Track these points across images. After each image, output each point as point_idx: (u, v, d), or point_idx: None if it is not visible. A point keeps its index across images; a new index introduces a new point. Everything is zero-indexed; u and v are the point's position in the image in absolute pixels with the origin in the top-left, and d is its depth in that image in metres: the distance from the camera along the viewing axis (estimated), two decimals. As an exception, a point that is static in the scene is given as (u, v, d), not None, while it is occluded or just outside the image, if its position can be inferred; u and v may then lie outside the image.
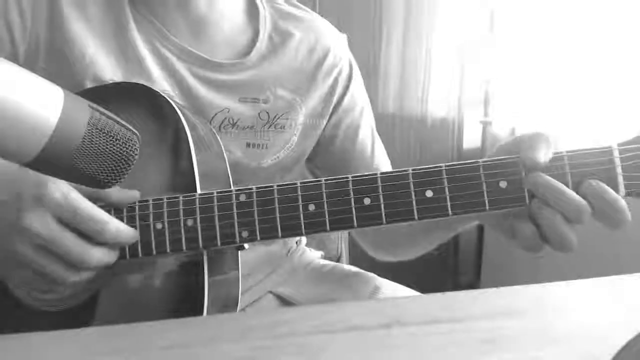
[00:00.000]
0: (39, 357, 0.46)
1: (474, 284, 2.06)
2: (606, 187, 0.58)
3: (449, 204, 0.60)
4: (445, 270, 2.08)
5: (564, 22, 1.67)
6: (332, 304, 0.83)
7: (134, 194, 0.64)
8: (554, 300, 0.55)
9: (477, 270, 2.06)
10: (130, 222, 0.64)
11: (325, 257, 1.06)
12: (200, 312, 0.64)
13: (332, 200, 0.62)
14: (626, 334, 0.42)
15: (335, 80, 0.89)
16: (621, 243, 1.55)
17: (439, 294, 0.55)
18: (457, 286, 2.07)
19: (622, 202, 0.58)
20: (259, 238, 0.63)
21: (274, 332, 0.47)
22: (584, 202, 0.57)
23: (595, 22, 1.61)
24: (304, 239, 1.03)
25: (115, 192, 0.63)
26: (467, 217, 0.64)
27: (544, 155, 0.59)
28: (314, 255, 1.02)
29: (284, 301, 0.91)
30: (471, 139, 2.01)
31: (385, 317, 0.49)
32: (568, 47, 1.67)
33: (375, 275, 0.93)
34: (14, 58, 0.75)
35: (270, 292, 0.92)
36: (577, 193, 0.58)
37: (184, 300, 0.66)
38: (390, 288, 0.91)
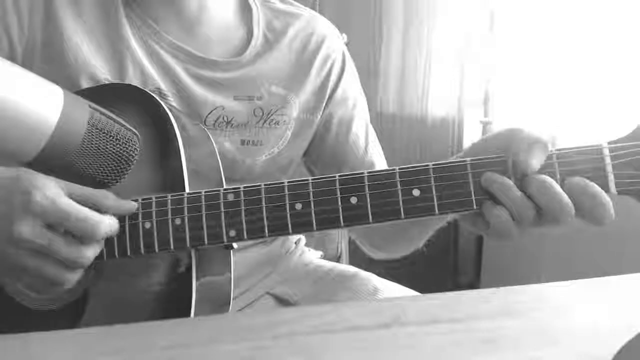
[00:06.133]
0: (39, 357, 0.46)
1: (474, 284, 2.06)
2: (588, 181, 0.56)
3: (435, 203, 0.59)
4: (445, 270, 2.08)
5: (564, 22, 1.67)
6: (332, 304, 0.83)
7: (130, 206, 0.64)
8: (554, 300, 0.55)
9: (477, 270, 2.06)
10: (119, 221, 0.64)
11: (325, 257, 1.06)
12: (188, 312, 0.64)
13: (318, 199, 0.61)
14: (626, 334, 0.42)
15: (328, 73, 0.89)
16: (622, 243, 1.55)
17: (439, 294, 0.55)
18: (457, 286, 2.07)
19: (605, 197, 0.56)
20: (245, 237, 0.63)
21: (274, 332, 0.47)
22: (568, 200, 0.56)
23: (595, 22, 1.61)
24: (303, 239, 1.03)
25: (113, 200, 0.62)
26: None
27: (538, 162, 0.57)
28: (313, 256, 1.02)
29: (282, 301, 0.91)
30: (471, 139, 2.01)
31: (385, 317, 0.49)
32: (568, 46, 1.67)
33: (375, 276, 0.93)
34: (11, 60, 0.75)
35: (269, 292, 0.92)
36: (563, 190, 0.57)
37: (171, 300, 0.66)
38: (389, 288, 0.91)
